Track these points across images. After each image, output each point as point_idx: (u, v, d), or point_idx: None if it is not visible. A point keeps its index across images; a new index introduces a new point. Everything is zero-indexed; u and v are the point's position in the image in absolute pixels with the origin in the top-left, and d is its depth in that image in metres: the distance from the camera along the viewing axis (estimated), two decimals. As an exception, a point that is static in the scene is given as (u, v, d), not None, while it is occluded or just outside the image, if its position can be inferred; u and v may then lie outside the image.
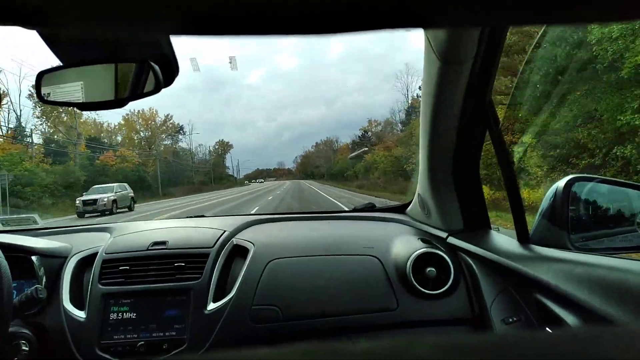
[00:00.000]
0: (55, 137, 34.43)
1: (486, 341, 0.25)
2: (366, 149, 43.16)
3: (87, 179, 28.18)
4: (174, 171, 46.39)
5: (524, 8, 0.24)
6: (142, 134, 45.74)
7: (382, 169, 29.51)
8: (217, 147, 71.04)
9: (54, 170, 27.11)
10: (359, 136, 51.12)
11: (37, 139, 32.85)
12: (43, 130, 34.24)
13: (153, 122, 46.29)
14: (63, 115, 33.94)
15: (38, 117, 33.96)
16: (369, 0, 0.23)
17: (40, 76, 0.80)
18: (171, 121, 48.79)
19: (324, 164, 71.70)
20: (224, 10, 0.23)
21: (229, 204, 19.81)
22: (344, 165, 48.78)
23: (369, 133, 48.42)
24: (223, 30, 0.25)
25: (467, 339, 0.25)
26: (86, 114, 36.28)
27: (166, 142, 49.28)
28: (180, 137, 51.46)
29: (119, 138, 43.14)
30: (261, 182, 79.56)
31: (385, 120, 44.76)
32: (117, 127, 43.51)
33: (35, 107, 31.76)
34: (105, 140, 42.57)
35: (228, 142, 73.68)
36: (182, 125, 51.37)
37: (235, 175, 75.30)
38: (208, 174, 58.25)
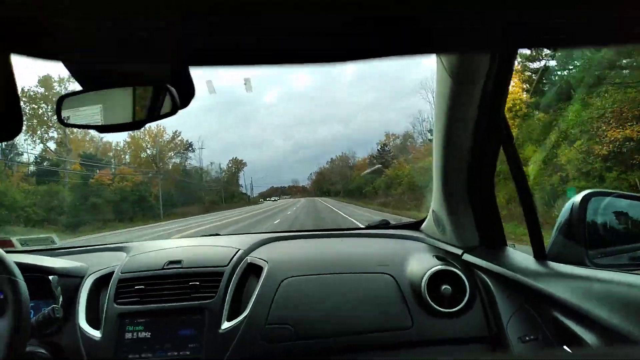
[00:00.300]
0: (44, 154, 31.05)
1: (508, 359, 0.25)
2: (380, 165, 41.91)
3: (75, 201, 25.98)
4: (182, 190, 43.97)
5: (534, 33, 0.24)
6: (148, 151, 42.25)
7: (408, 183, 26.32)
8: (230, 165, 68.82)
9: (36, 191, 24.43)
10: (378, 149, 48.81)
11: (26, 156, 29.79)
12: (30, 146, 30.70)
13: (161, 139, 43.08)
14: (53, 130, 30.44)
15: (23, 132, 31.51)
16: (381, 29, 0.23)
17: (61, 100, 0.82)
18: (179, 138, 45.40)
19: (339, 180, 68.99)
20: (238, 42, 0.24)
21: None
22: (362, 181, 45.19)
23: (388, 147, 46.19)
24: (238, 60, 0.26)
25: (487, 357, 0.25)
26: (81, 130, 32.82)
27: (174, 160, 46.16)
28: (189, 154, 48.83)
29: (128, 157, 41.17)
30: (275, 200, 77.45)
31: (405, 133, 41.81)
32: (124, 145, 41.09)
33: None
34: (112, 160, 39.63)
35: (242, 160, 71.13)
36: (192, 142, 48.58)
37: (248, 194, 73.68)
38: (219, 192, 55.32)
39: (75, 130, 28.80)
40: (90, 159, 32.85)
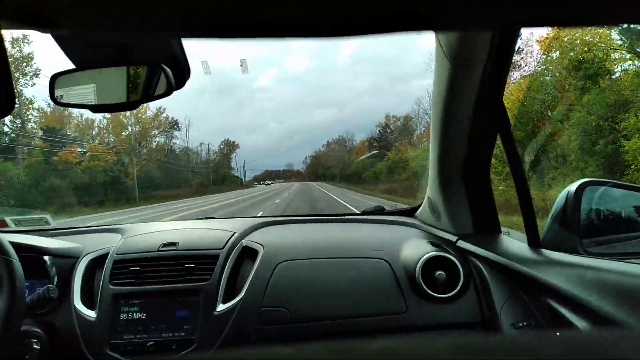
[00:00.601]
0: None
1: (502, 342, 0.25)
2: (377, 151, 40.33)
3: (28, 181, 22.42)
4: (166, 172, 40.35)
5: (533, 9, 0.24)
6: (130, 129, 37.69)
7: (414, 168, 23.20)
8: (222, 147, 65.82)
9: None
10: (379, 131, 46.08)
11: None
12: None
13: (143, 116, 38.76)
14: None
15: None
16: (379, 3, 0.23)
17: (54, 78, 0.81)
18: (164, 115, 41.47)
19: (336, 164, 66.20)
20: (234, 13, 0.24)
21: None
22: (360, 165, 43.03)
23: (390, 128, 43.89)
24: (234, 33, 0.25)
25: (482, 339, 0.25)
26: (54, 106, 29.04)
27: (159, 139, 42.19)
28: (175, 133, 45.33)
29: (112, 137, 37.18)
30: (268, 184, 74.44)
31: (406, 115, 40.22)
32: (107, 123, 37.00)
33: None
34: (93, 138, 35.34)
35: (234, 142, 68.36)
36: (177, 120, 44.86)
37: (240, 177, 71.09)
38: (208, 175, 52.84)
39: (41, 104, 27.45)
40: (54, 134, 28.38)
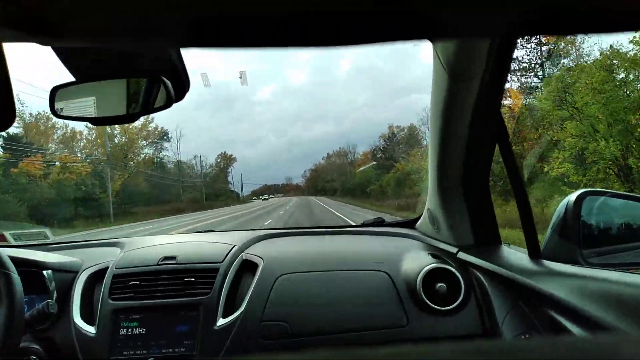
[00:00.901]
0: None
1: (505, 346, 0.25)
2: (375, 163, 39.34)
3: None
4: (154, 187, 37.43)
5: (532, 16, 0.24)
6: (116, 140, 35.09)
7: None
8: (218, 160, 63.78)
9: None
10: (384, 141, 43.16)
11: None
12: None
13: (131, 126, 34.84)
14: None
15: None
16: (377, 11, 0.23)
17: (54, 91, 0.81)
18: (152, 125, 38.88)
19: (337, 177, 63.72)
20: (231, 20, 0.24)
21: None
22: (365, 177, 39.60)
23: (396, 137, 40.64)
24: (230, 41, 0.26)
25: (487, 344, 0.25)
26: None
27: (147, 151, 39.28)
28: (166, 145, 42.10)
29: (101, 148, 33.55)
30: (265, 199, 71.89)
31: (409, 125, 37.89)
32: (96, 135, 33.90)
33: None
34: (83, 151, 32.97)
35: (231, 155, 66.15)
36: (167, 130, 42.82)
37: (237, 191, 68.65)
38: (200, 190, 49.68)
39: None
40: (17, 143, 25.20)
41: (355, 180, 45.42)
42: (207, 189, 52.76)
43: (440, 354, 0.23)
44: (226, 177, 64.17)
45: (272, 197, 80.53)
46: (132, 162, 36.52)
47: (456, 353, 0.23)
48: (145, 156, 39.34)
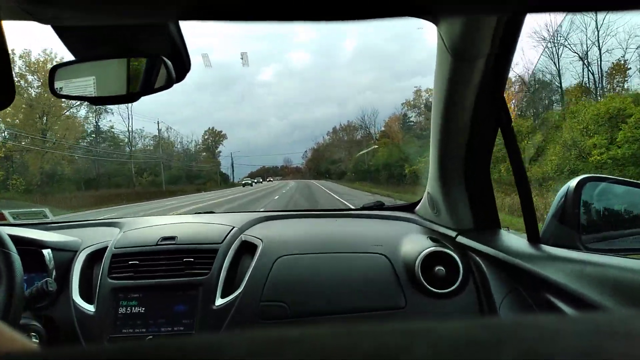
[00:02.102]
0: None
1: (510, 324, 0.25)
2: (376, 146, 33.74)
3: None
4: (86, 165, 28.75)
5: None
6: (33, 91, 25.01)
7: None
8: (206, 137, 56.42)
9: None
10: (410, 107, 35.10)
11: None
12: None
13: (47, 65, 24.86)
14: None
15: None
16: None
17: (54, 70, 0.80)
18: None
19: (345, 157, 51.69)
20: None
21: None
22: (392, 155, 28.78)
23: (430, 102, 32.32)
24: (229, 14, 0.25)
25: (489, 321, 0.25)
26: None
27: (80, 113, 29.26)
28: (111, 108, 31.81)
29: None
30: (248, 183, 53.52)
31: None
32: None
33: None
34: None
35: (220, 132, 58.94)
36: None
37: (226, 174, 60.74)
38: (157, 171, 38.43)
39: None
40: None
41: (376, 159, 33.43)
42: (184, 172, 44.81)
43: (441, 330, 0.23)
44: (215, 157, 57.67)
45: (265, 182, 66.75)
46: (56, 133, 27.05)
47: (457, 329, 0.23)
48: (74, 121, 28.77)
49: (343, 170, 50.32)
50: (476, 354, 0.21)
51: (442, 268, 1.43)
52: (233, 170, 66.19)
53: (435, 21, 1.10)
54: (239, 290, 1.44)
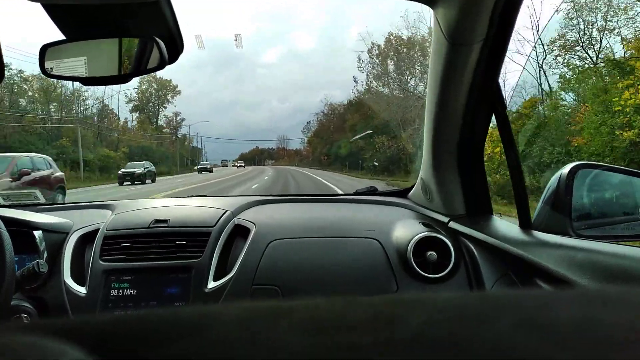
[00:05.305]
0: None
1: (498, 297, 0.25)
2: (371, 131, 27.38)
3: None
4: None
5: None
6: None
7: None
8: (144, 87, 36.91)
9: None
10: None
11: None
12: None
13: None
14: None
15: None
16: None
17: (44, 49, 0.78)
18: None
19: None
20: None
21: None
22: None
23: None
24: None
25: (478, 295, 0.25)
26: None
27: None
28: None
29: None
30: (207, 170, 38.41)
31: None
32: None
33: None
34: None
35: (170, 81, 41.58)
36: None
37: (198, 146, 47.56)
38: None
39: None
40: None
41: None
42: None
43: (436, 301, 0.24)
44: (155, 122, 39.20)
45: (242, 166, 56.09)
46: None
47: (453, 299, 0.24)
48: None
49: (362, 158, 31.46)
50: (471, 323, 0.21)
51: (434, 253, 1.43)
52: (203, 149, 53.20)
53: (432, 4, 1.09)
54: (231, 274, 1.45)
